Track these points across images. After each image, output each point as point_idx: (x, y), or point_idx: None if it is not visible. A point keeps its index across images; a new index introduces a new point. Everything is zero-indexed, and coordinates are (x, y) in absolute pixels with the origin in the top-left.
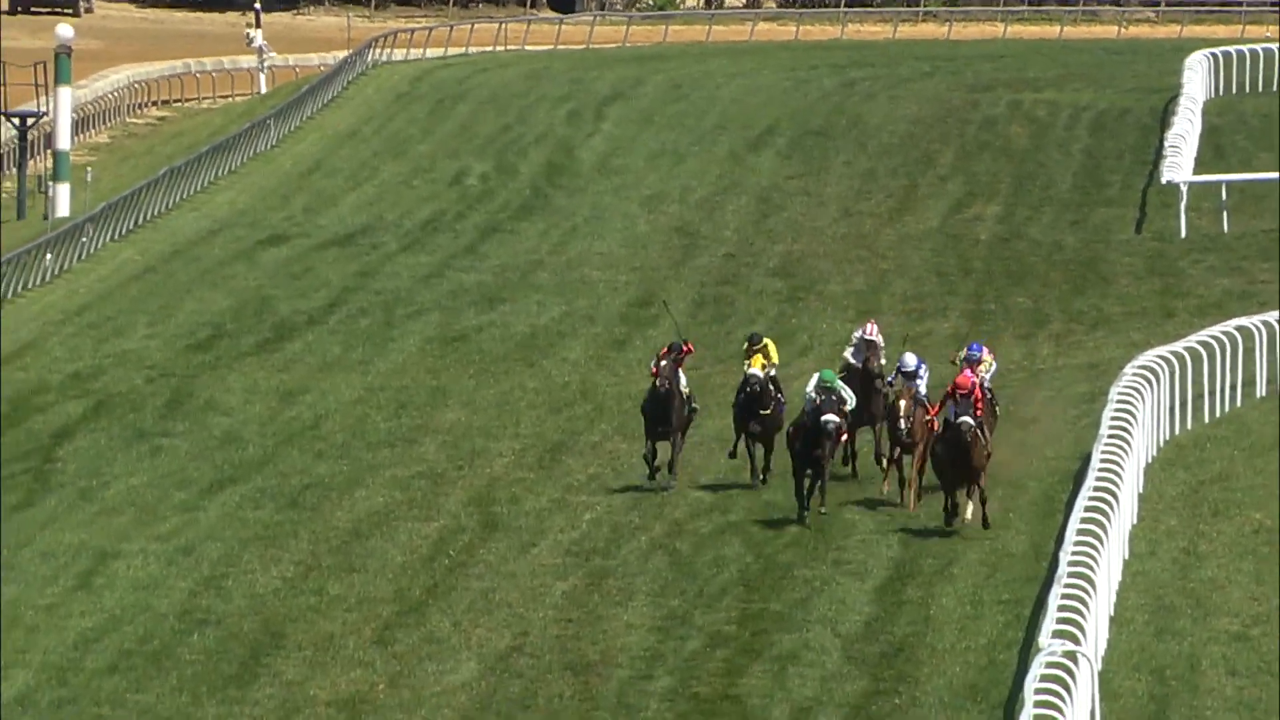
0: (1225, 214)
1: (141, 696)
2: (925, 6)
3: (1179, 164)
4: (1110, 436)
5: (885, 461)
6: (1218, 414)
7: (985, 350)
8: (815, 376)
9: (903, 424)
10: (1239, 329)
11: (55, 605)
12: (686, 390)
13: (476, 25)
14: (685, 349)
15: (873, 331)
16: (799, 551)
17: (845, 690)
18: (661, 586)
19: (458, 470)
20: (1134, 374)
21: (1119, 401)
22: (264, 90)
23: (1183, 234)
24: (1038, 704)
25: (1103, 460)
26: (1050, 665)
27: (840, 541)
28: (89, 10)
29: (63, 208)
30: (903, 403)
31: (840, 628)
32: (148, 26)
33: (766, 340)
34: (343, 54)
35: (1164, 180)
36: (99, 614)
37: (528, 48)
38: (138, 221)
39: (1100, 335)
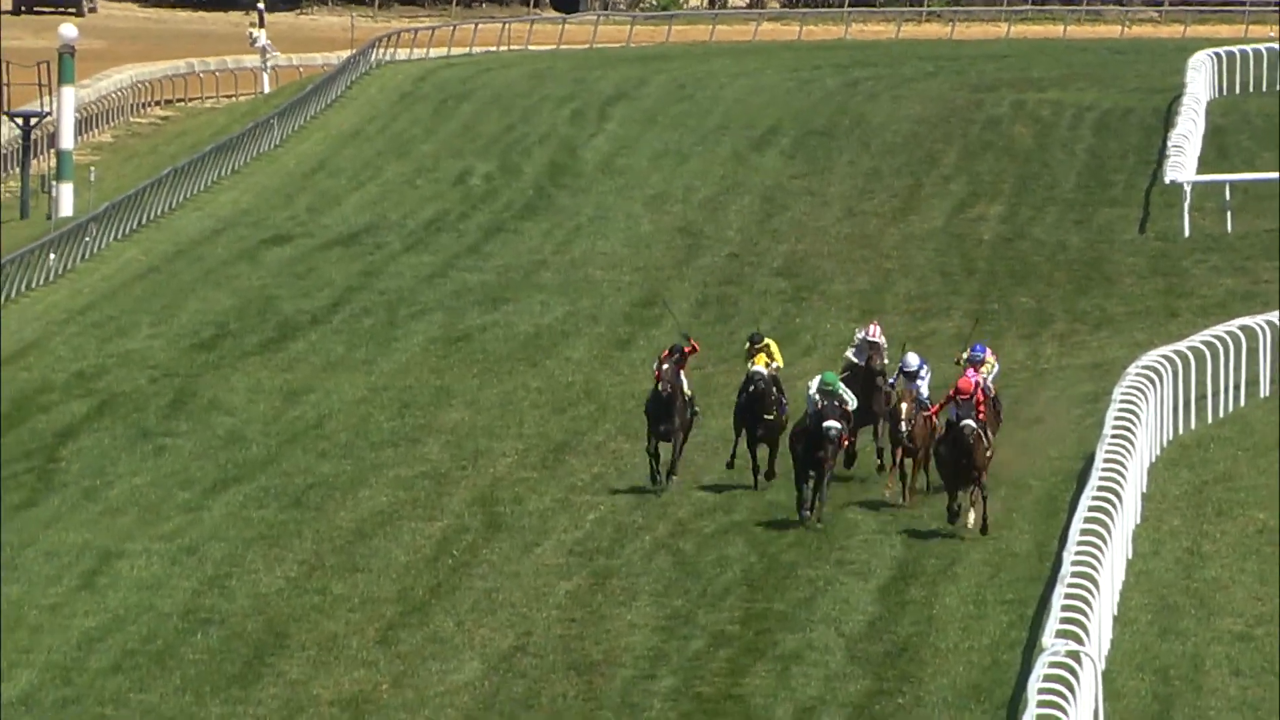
0: (1229, 214)
1: (145, 696)
2: (929, 6)
3: (1182, 164)
4: (1114, 436)
5: (886, 463)
6: (1221, 414)
7: (988, 352)
8: (817, 379)
9: (904, 426)
10: (1242, 329)
11: (59, 605)
12: (689, 393)
13: (480, 25)
14: (687, 350)
15: (876, 333)
16: (802, 551)
17: (849, 690)
18: (665, 586)
19: (461, 470)
20: (1137, 374)
21: (1122, 401)
22: (267, 90)
23: (1186, 234)
24: (1041, 704)
25: (1106, 460)
26: (1053, 665)
27: (843, 541)
28: (92, 10)
29: (66, 207)
30: (904, 405)
31: (844, 627)
32: (151, 26)
33: (768, 340)
34: (346, 54)
35: (1167, 180)
36: (102, 614)
37: (531, 47)
38: (141, 221)
39: (1104, 335)
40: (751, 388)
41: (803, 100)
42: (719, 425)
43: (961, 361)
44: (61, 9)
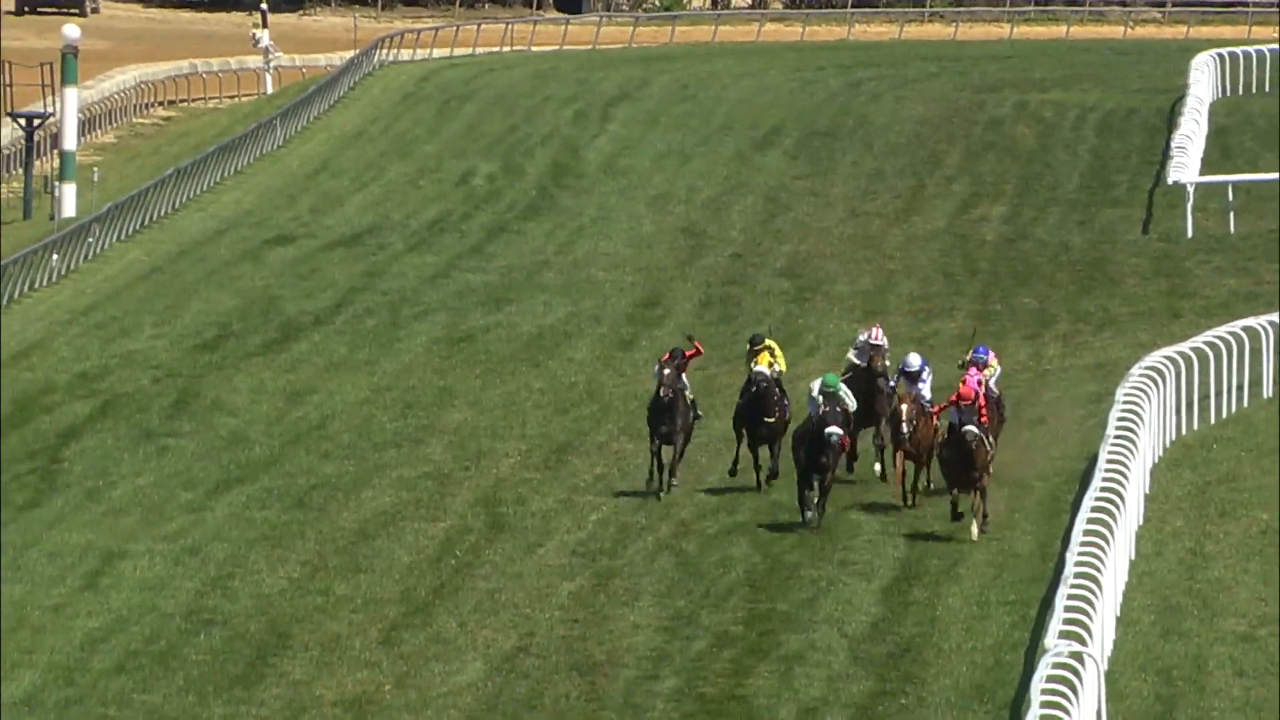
0: (1232, 215)
1: (148, 697)
2: (931, 7)
3: (1185, 164)
4: (1117, 437)
5: (886, 468)
6: (1224, 414)
7: (991, 354)
8: (818, 380)
9: (905, 427)
10: (1245, 329)
11: (62, 605)
12: (691, 397)
13: (483, 26)
14: (690, 352)
15: (878, 335)
16: (805, 552)
17: (851, 691)
18: (668, 587)
19: (464, 471)
20: (1140, 374)
21: (1125, 402)
22: (270, 91)
23: (1189, 234)
24: (1044, 705)
25: (1109, 461)
26: (1056, 666)
27: (846, 542)
28: (95, 10)
29: (69, 208)
30: (905, 406)
31: (847, 628)
32: (154, 27)
33: (769, 342)
34: (349, 54)
35: (1170, 181)
36: (105, 614)
37: (534, 48)
38: (144, 222)
39: (1107, 336)
40: (753, 388)
41: (806, 101)
42: (722, 426)
43: (964, 363)
44: (64, 10)
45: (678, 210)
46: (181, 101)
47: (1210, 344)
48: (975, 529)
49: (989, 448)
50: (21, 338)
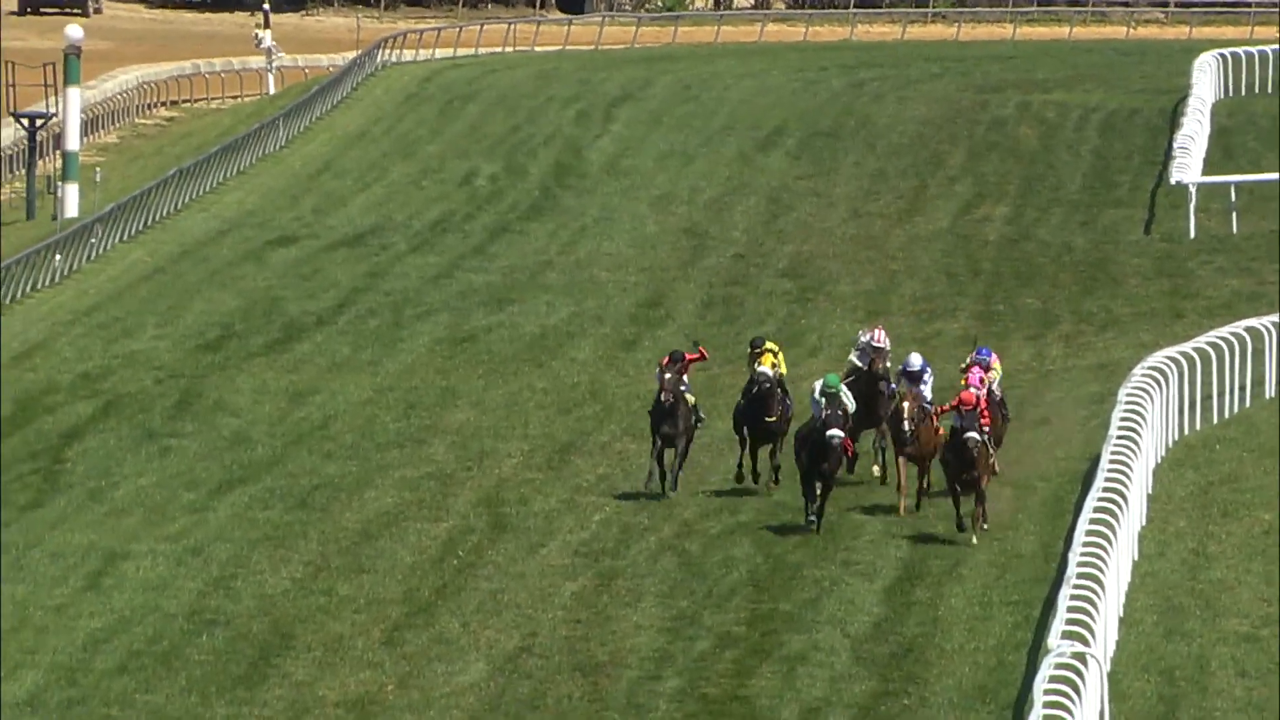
0: (1234, 215)
1: (150, 697)
2: (934, 8)
3: (1188, 165)
4: (1119, 437)
5: (884, 468)
6: (1227, 415)
7: (994, 357)
8: (820, 381)
9: (907, 425)
10: (1248, 330)
11: (64, 606)
12: (692, 400)
13: (486, 26)
14: (694, 356)
15: (880, 338)
16: (808, 552)
17: (854, 691)
18: (670, 587)
19: (467, 471)
20: (1143, 375)
21: (1128, 402)
22: (273, 91)
23: (1192, 235)
24: (1047, 705)
25: (1112, 461)
26: (1059, 666)
27: (849, 542)
28: (98, 11)
29: (71, 208)
30: (907, 404)
31: (849, 628)
32: (157, 27)
33: (770, 344)
34: (352, 55)
35: (1173, 181)
36: (108, 614)
37: (537, 49)
38: (147, 222)
39: (1109, 336)
40: (755, 389)
41: (808, 101)
42: (724, 426)
43: (966, 366)
44: (67, 10)
45: (680, 210)
46: (184, 102)
47: (1213, 344)
48: (974, 537)
49: (991, 453)
50: (24, 338)
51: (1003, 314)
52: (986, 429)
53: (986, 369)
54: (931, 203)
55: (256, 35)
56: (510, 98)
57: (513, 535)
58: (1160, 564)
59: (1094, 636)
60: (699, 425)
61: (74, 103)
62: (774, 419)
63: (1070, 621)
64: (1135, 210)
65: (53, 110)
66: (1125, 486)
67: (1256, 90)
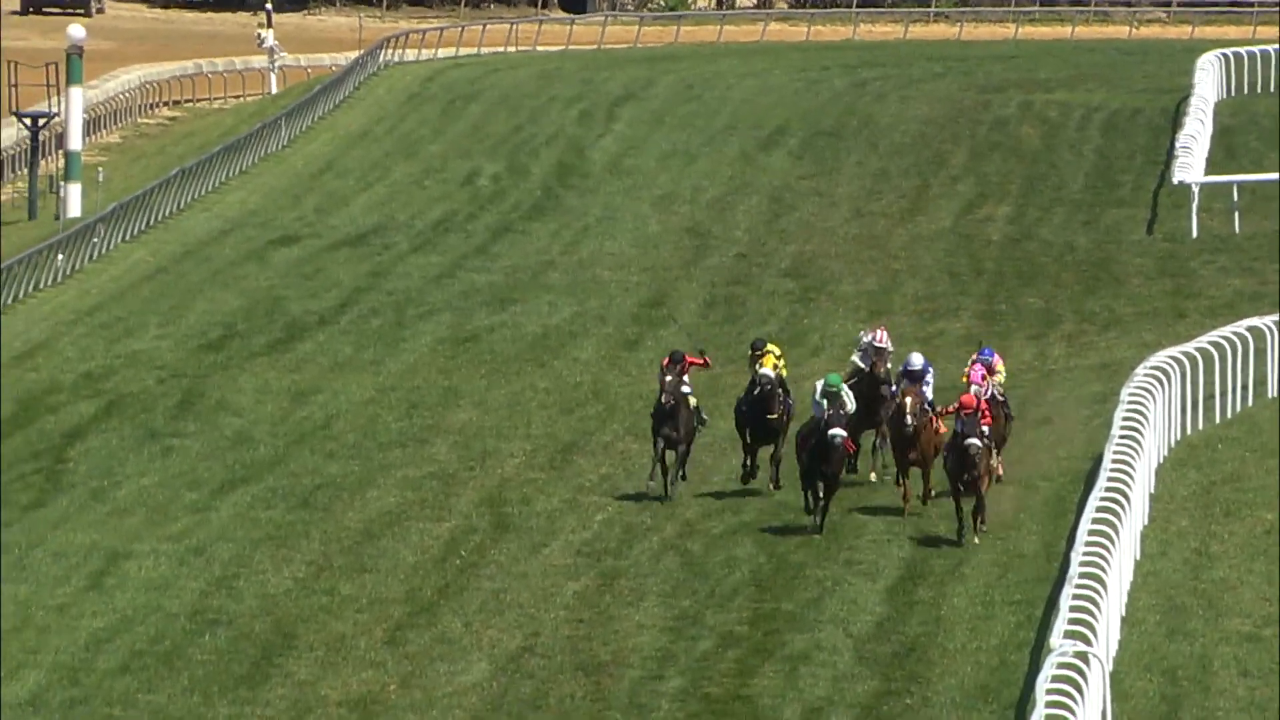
0: (1237, 215)
1: (153, 697)
2: (936, 7)
3: (1190, 165)
4: (1122, 437)
5: (878, 467)
6: (1229, 414)
7: (997, 358)
8: (820, 381)
9: (909, 419)
10: (1250, 329)
11: (67, 605)
12: (694, 403)
13: (488, 26)
14: (700, 362)
15: (882, 338)
16: (810, 552)
17: (857, 690)
18: (673, 587)
19: (469, 471)
20: (1145, 374)
21: (1130, 402)
22: (275, 90)
23: (1194, 234)
24: (1049, 704)
25: (1114, 460)
26: (1061, 666)
27: (852, 542)
28: (100, 11)
29: (74, 208)
30: (910, 399)
31: (852, 628)
32: (159, 27)
33: (771, 345)
34: (354, 54)
35: (1175, 181)
36: (110, 614)
37: (539, 48)
38: (149, 222)
39: (1112, 336)
40: (757, 389)
41: (810, 101)
42: (726, 426)
43: (969, 370)
44: (69, 10)
45: (683, 210)
46: (186, 101)
47: (1215, 344)
48: (975, 538)
49: (994, 457)
50: (26, 338)
51: (1005, 314)
52: (988, 430)
53: (991, 370)
54: (934, 202)
55: (259, 35)
56: (512, 97)
57: (515, 535)
58: (1162, 563)
59: (1096, 636)
60: (701, 427)
61: (76, 102)
62: (776, 416)
63: (1072, 621)
64: (1138, 210)
65: (55, 110)
66: (1128, 486)
67: (1259, 90)
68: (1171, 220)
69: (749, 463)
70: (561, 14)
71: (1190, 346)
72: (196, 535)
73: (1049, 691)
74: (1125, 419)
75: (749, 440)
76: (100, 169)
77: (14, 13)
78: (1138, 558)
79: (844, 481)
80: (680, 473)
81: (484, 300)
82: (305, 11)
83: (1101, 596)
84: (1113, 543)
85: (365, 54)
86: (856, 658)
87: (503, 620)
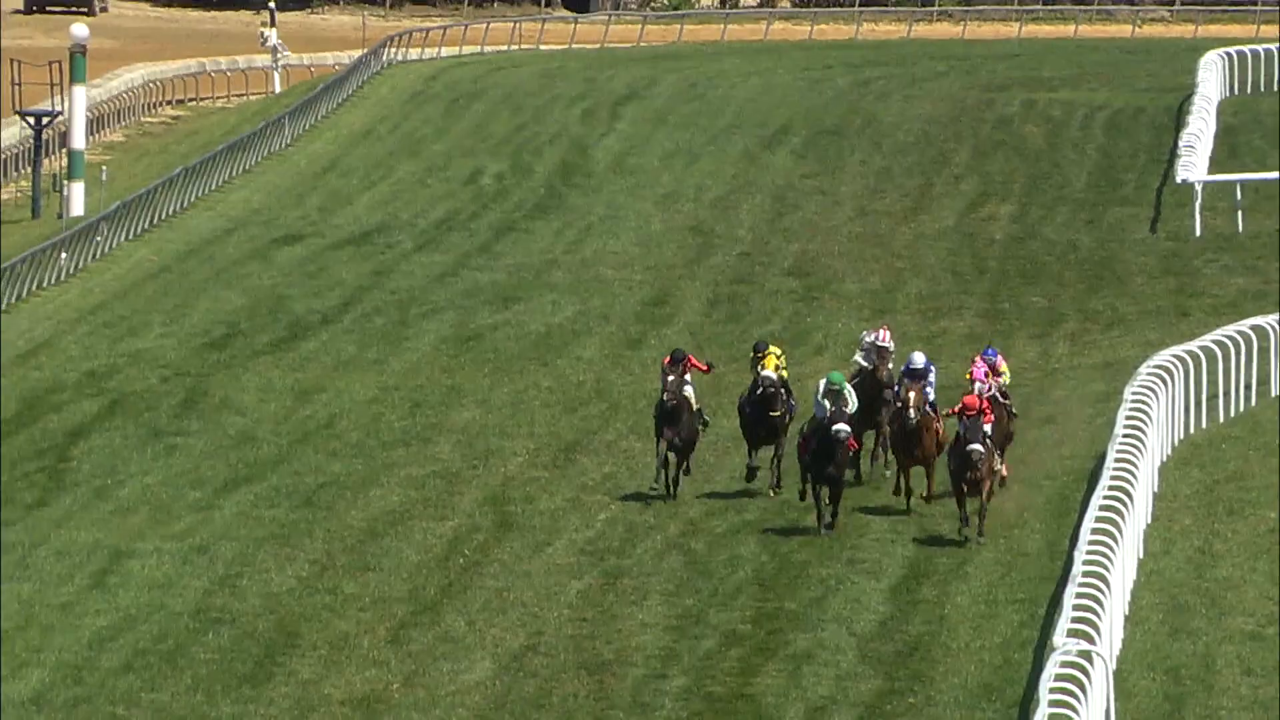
0: (1240, 213)
1: (156, 695)
2: (940, 6)
3: (1193, 163)
4: (1125, 435)
5: (883, 467)
6: (1232, 413)
7: (1000, 359)
8: (824, 380)
9: (912, 413)
10: (1254, 328)
11: (70, 604)
12: (697, 406)
13: (491, 24)
14: (690, 359)
15: (885, 338)
16: (814, 551)
17: (860, 689)
18: (676, 586)
19: (472, 469)
20: (1149, 373)
21: (1134, 401)
22: (278, 89)
23: (1197, 233)
24: (1052, 703)
25: (1117, 459)
26: (1065, 664)
27: (855, 541)
28: (104, 9)
29: (77, 206)
30: (913, 394)
31: (855, 627)
32: (162, 25)
33: (772, 347)
34: (357, 53)
35: (1179, 180)
36: (114, 613)
37: (542, 47)
38: (152, 220)
39: (1115, 334)
40: (759, 390)
41: (814, 99)
42: (730, 425)
43: (972, 368)
44: (73, 8)
45: (686, 209)
46: (190, 100)
47: (1218, 343)
48: (981, 537)
49: (998, 461)
50: (30, 336)
51: (1008, 312)
52: (990, 430)
53: (995, 371)
54: (937, 201)
55: (262, 34)
56: (516, 96)
57: (518, 534)
58: (1166, 562)
59: (1099, 635)
60: (703, 429)
61: (80, 101)
62: (778, 413)
63: (1076, 620)
64: (1141, 209)
65: (58, 108)
66: (1131, 485)
67: (1262, 89)
68: (1175, 219)
69: (753, 461)
70: (565, 12)
71: (1193, 345)
72: (200, 534)
73: (1052, 690)
74: (1128, 418)
75: (751, 437)
76: (103, 168)
77: (17, 11)
78: (1141, 556)
79: (846, 481)
80: (684, 467)
81: (487, 299)
82: (308, 10)
83: (1105, 595)
84: (1116, 541)
85: (368, 53)
86: (860, 656)
87: (506, 619)
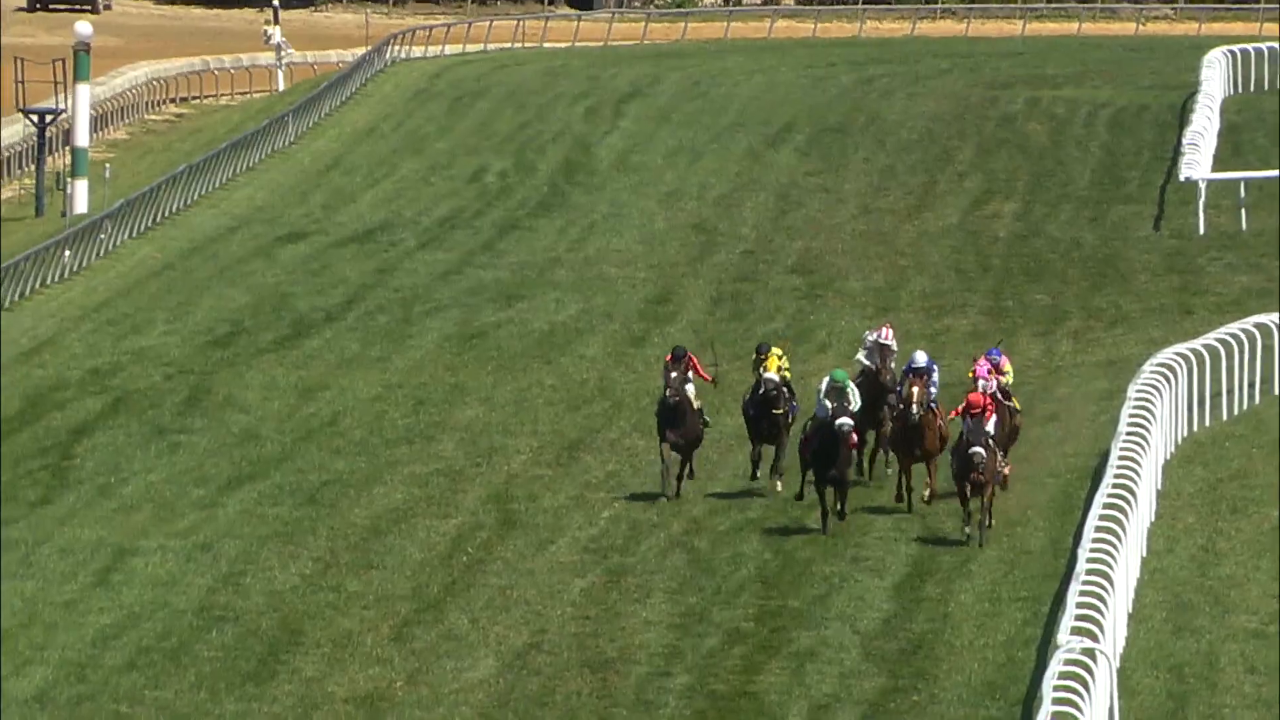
0: (1243, 211)
1: (160, 693)
2: (943, 4)
3: (1197, 161)
4: (1128, 433)
5: (874, 467)
6: (1236, 411)
7: (1004, 359)
8: (827, 378)
9: (915, 409)
10: (1257, 326)
11: (73, 602)
12: (698, 404)
13: (495, 22)
14: (692, 361)
15: (887, 335)
16: (817, 548)
17: (863, 687)
18: (679, 584)
19: (476, 467)
20: (1152, 371)
21: (1137, 399)
22: (282, 87)
23: (1201, 231)
24: (1056, 701)
25: (1121, 457)
26: (1068, 662)
27: (859, 539)
28: (107, 7)
29: (81, 204)
30: (916, 389)
31: (859, 625)
32: (166, 23)
33: (775, 349)
34: (361, 51)
35: (1182, 177)
36: (117, 611)
37: (546, 45)
38: (156, 218)
39: (1119, 332)
40: (761, 390)
41: (817, 97)
42: (733, 423)
43: (976, 367)
44: (77, 6)
45: (689, 207)
46: (193, 98)
47: (1222, 341)
48: (980, 537)
49: (999, 462)
50: (33, 334)
51: (1012, 310)
52: (993, 429)
53: (999, 371)
54: (941, 199)
55: (266, 31)
56: (519, 94)
57: (522, 532)
58: (1169, 560)
59: (1103, 632)
60: (705, 428)
61: (83, 99)
62: (781, 411)
63: (1079, 618)
64: (1144, 206)
65: (62, 106)
66: (1134, 483)
67: (1266, 87)
68: (1178, 217)
69: (756, 453)
70: (568, 10)
71: (1197, 343)
72: (203, 532)
73: (1056, 688)
74: (1132, 415)
75: (753, 436)
76: (107, 165)
77: (21, 9)
78: (1144, 554)
79: (851, 481)
80: (688, 470)
81: (491, 297)
82: (312, 8)
83: (1108, 593)
84: (1119, 539)
85: (372, 50)
86: (863, 654)
87: (509, 617)
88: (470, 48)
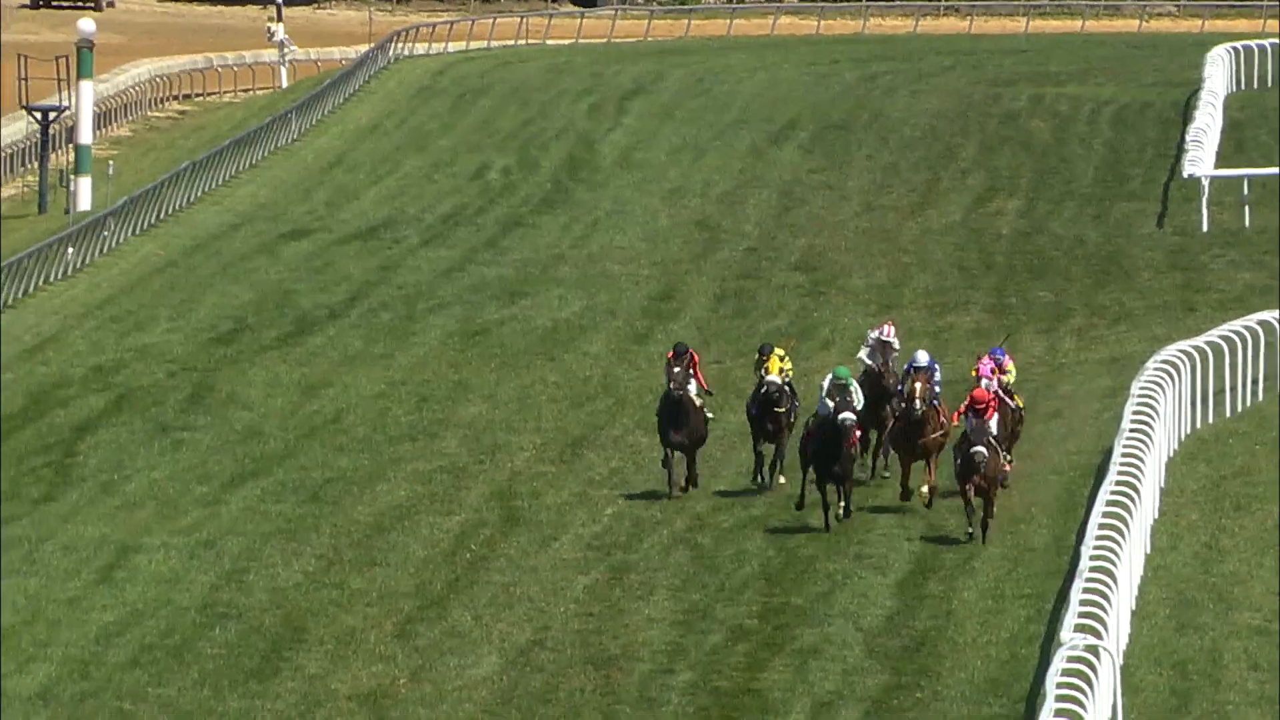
0: (1247, 208)
1: (163, 690)
2: (947, 1)
3: (1200, 158)
4: (1132, 431)
5: (875, 468)
6: (1239, 408)
7: (1008, 359)
8: (830, 375)
9: (918, 404)
10: (1260, 323)
11: (77, 599)
12: (700, 402)
13: (498, 19)
14: (697, 370)
15: (889, 333)
16: (820, 546)
17: (866, 684)
18: (683, 581)
19: (479, 464)
20: (1155, 368)
21: (1140, 396)
22: (285, 84)
23: (1204, 228)
24: (1059, 698)
25: (1124, 454)
26: (1072, 659)
27: (862, 536)
28: (110, 4)
29: (84, 202)
30: (919, 385)
31: (862, 622)
32: (169, 20)
33: (777, 350)
34: (364, 48)
35: (1185, 174)
36: (120, 608)
37: (549, 42)
38: (159, 215)
39: (1122, 329)
40: (764, 389)
41: (821, 94)
42: (735, 421)
43: (978, 365)
44: (79, 3)
45: (692, 204)
46: (196, 95)
47: (1225, 338)
48: (982, 535)
49: (1003, 460)
50: (37, 331)
51: (1015, 307)
52: (996, 427)
53: (1001, 370)
54: (944, 196)
55: (269, 28)
56: (522, 91)
57: (525, 529)
58: (1172, 557)
59: (1106, 630)
60: (707, 425)
61: (86, 96)
62: (783, 409)
63: (1082, 615)
64: (1147, 204)
65: (65, 104)
66: (1138, 480)
67: (1269, 84)
68: (1181, 214)
69: (759, 449)
70: (571, 7)
71: (1200, 340)
72: (206, 529)
73: (1059, 685)
74: (1135, 413)
75: (755, 435)
76: (110, 162)
77: (24, 6)
78: (1148, 551)
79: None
80: (693, 477)
81: (494, 294)
82: (315, 5)
83: (1111, 590)
84: (1123, 536)
85: (375, 47)
86: (866, 651)
87: (512, 614)
88: (474, 45)
